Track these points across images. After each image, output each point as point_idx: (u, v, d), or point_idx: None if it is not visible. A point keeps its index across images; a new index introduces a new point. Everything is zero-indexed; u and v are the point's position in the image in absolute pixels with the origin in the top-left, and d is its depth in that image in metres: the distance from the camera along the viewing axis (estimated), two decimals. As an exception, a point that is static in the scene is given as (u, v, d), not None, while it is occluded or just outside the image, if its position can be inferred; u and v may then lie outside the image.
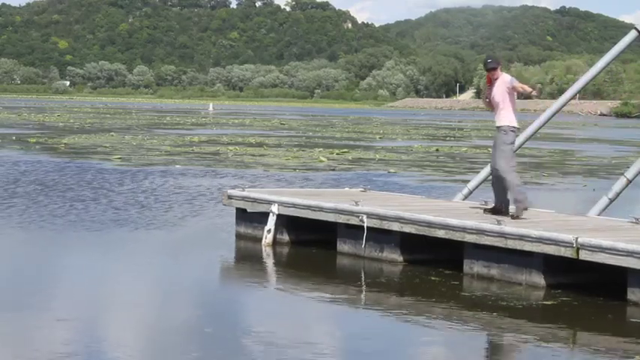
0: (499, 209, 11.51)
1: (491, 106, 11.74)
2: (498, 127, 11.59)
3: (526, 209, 11.36)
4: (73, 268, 11.14)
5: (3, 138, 36.24)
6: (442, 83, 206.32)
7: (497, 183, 11.54)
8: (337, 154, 32.11)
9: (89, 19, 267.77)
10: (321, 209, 12.23)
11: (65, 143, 33.77)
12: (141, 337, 7.97)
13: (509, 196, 11.52)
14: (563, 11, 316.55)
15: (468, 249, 10.75)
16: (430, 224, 11.02)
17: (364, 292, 10.08)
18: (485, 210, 11.76)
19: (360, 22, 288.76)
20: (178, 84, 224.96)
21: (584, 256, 9.62)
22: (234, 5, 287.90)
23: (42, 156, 27.38)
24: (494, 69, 11.62)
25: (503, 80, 11.61)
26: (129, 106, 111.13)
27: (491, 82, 11.70)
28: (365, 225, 11.65)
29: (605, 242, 9.47)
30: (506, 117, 11.57)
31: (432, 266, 11.15)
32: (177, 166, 25.10)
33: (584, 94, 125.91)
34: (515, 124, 11.61)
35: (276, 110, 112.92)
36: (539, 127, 13.88)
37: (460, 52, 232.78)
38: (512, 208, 11.50)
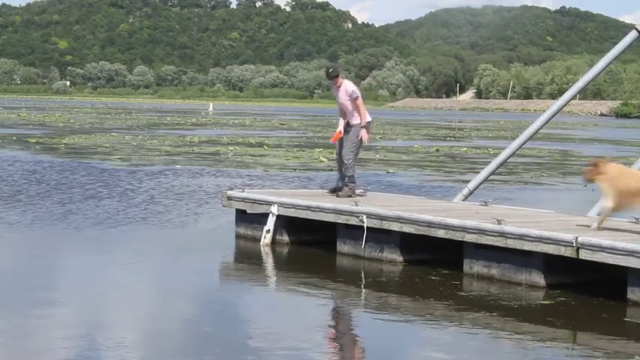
0: (338, 189, 13.39)
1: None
2: (351, 126, 13.28)
3: (350, 196, 13.02)
4: (73, 268, 11.14)
5: (3, 138, 36.24)
6: (442, 83, 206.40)
7: (341, 169, 13.46)
8: (337, 154, 32.03)
9: (89, 19, 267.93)
10: (321, 210, 12.23)
11: (65, 143, 33.76)
12: (140, 336, 7.96)
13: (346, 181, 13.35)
14: (563, 11, 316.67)
15: (468, 249, 10.75)
16: (430, 224, 11.02)
17: (364, 293, 10.07)
18: (328, 191, 13.76)
19: (360, 22, 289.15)
20: (178, 84, 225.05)
21: (585, 255, 9.62)
22: (234, 5, 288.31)
23: (41, 156, 27.36)
24: (336, 77, 13.27)
25: (345, 88, 13.25)
26: (129, 107, 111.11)
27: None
28: (365, 225, 11.65)
29: (605, 242, 9.47)
30: (354, 117, 13.27)
31: (432, 266, 11.14)
32: (178, 166, 25.09)
33: (584, 94, 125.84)
34: (366, 120, 13.23)
35: (276, 110, 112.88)
36: (540, 127, 13.87)
37: (460, 52, 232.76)
38: (345, 191, 13.20)
